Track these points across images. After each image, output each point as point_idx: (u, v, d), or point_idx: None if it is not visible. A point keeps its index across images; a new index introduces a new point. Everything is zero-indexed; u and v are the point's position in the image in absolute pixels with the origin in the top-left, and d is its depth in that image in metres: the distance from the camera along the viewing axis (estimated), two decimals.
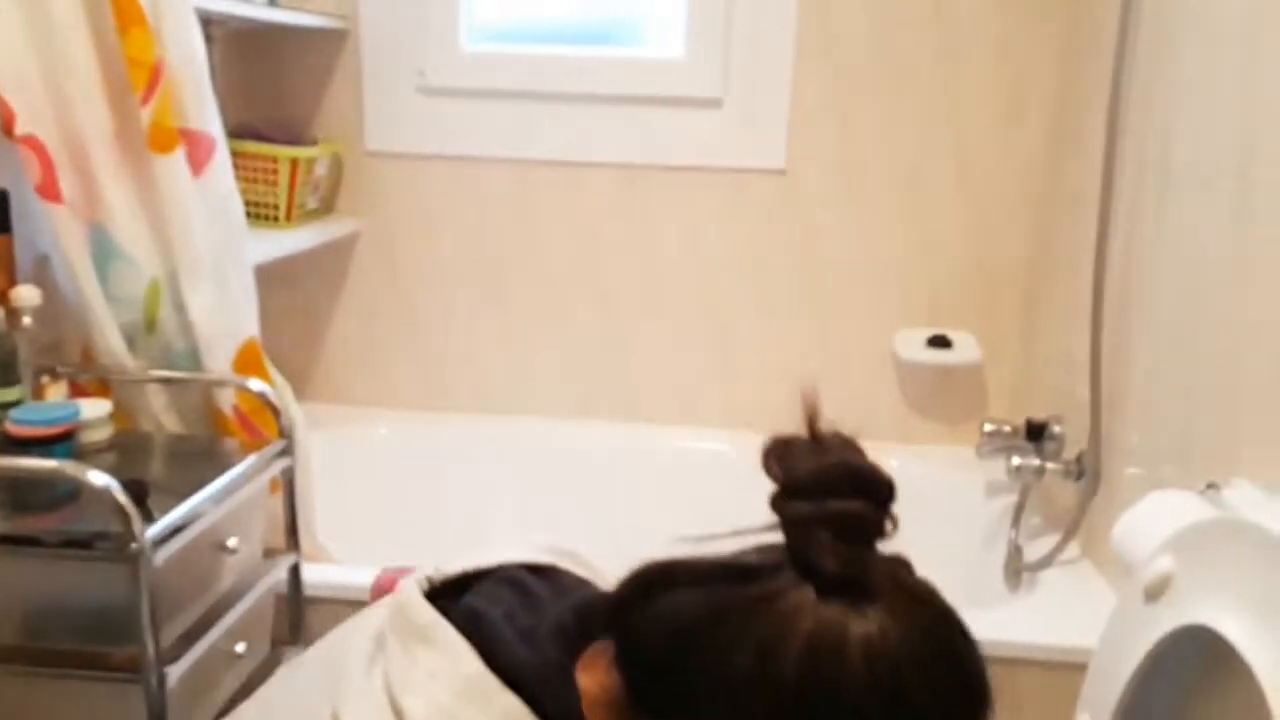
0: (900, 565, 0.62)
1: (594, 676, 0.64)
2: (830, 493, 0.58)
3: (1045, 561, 1.57)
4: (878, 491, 0.59)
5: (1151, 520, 1.01)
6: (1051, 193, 1.87)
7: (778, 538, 0.60)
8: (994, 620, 1.41)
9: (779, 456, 0.61)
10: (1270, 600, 0.70)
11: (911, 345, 1.95)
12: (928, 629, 0.59)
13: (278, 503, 1.35)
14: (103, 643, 1.14)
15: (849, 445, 0.61)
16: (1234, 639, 0.69)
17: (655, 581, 0.62)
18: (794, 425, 0.63)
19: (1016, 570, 1.64)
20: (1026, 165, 1.90)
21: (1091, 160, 1.66)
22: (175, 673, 1.11)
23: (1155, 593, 0.82)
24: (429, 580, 0.69)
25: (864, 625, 0.56)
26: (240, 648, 1.27)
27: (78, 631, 1.15)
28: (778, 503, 0.60)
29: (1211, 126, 1.27)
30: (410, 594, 0.66)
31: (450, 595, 0.67)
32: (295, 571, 1.39)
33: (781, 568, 0.59)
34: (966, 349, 1.95)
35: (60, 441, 1.23)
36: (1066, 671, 1.31)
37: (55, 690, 1.16)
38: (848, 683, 0.56)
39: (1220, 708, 0.78)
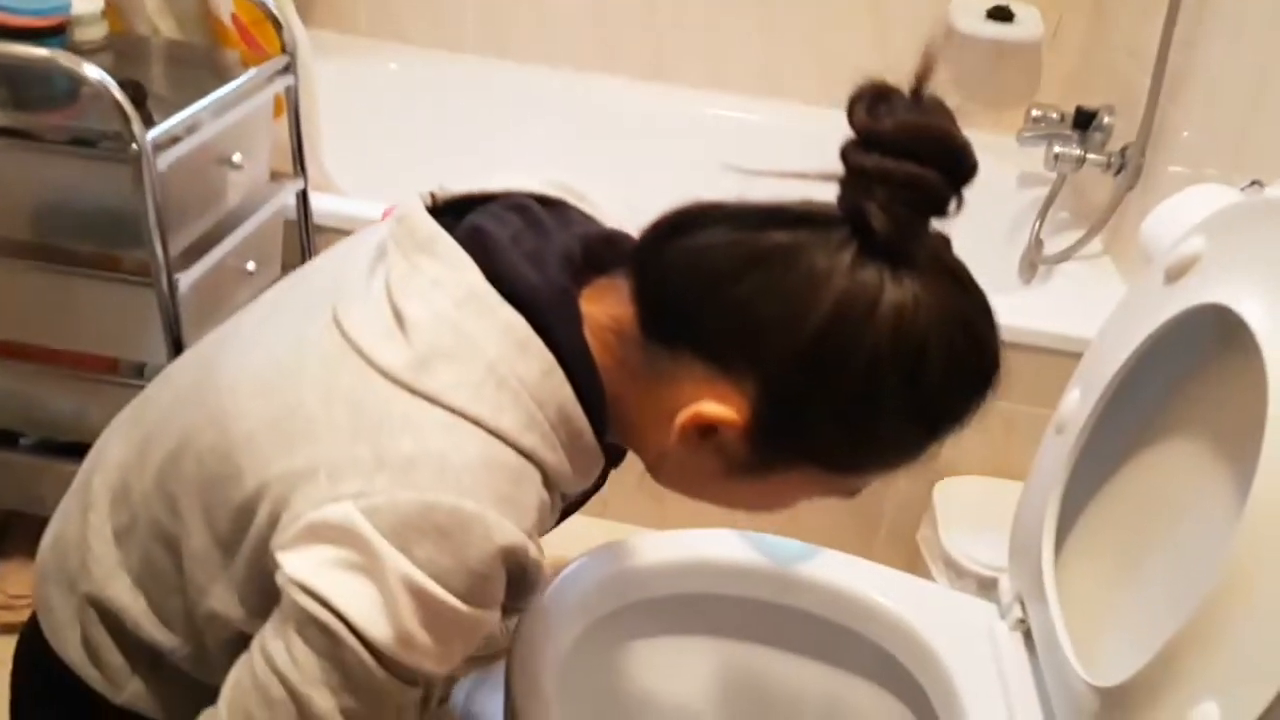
0: (943, 242, 0.59)
1: (603, 306, 0.62)
2: (912, 154, 0.53)
3: (1065, 255, 1.54)
4: (959, 168, 0.55)
5: (1186, 209, 0.96)
6: None
7: (832, 191, 0.56)
8: (998, 304, 1.40)
9: (869, 104, 0.55)
10: None
11: (970, 14, 1.79)
12: (959, 309, 0.58)
13: (284, 128, 1.31)
14: (113, 246, 1.15)
15: (948, 114, 0.56)
16: (1250, 319, 0.67)
17: (692, 218, 0.59)
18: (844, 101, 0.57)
19: (1033, 263, 1.62)
20: None
21: None
22: (186, 280, 1.13)
23: (1177, 273, 0.79)
24: (432, 196, 0.66)
25: (899, 292, 0.54)
26: (250, 265, 1.29)
27: (88, 233, 1.16)
28: (850, 151, 0.55)
29: None
30: (412, 207, 0.63)
31: (454, 216, 0.64)
32: (303, 198, 1.37)
33: (830, 222, 0.56)
34: (1029, 24, 1.79)
35: (53, 34, 1.17)
36: (1063, 359, 1.33)
37: (73, 289, 1.19)
38: (870, 344, 0.54)
39: (1218, 393, 0.78)
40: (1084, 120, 1.62)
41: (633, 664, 1.03)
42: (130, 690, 0.69)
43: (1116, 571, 0.85)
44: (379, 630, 0.54)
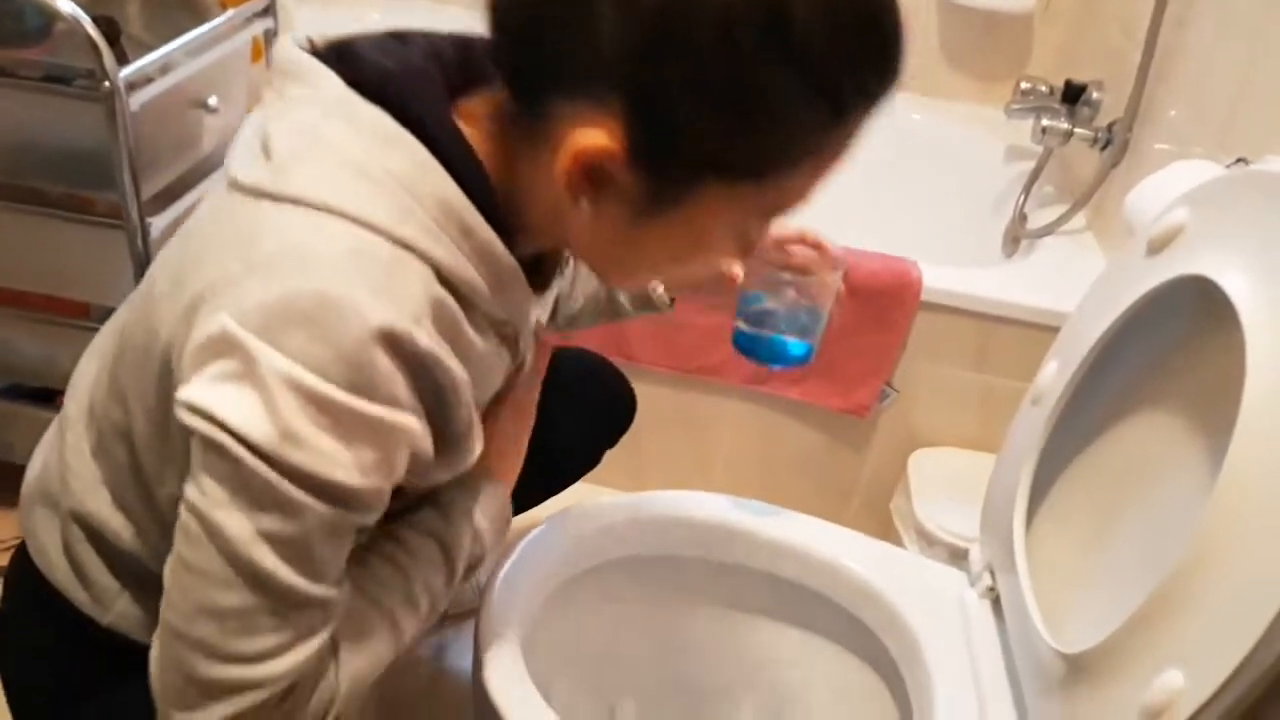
0: None
1: (480, 97, 0.60)
2: None
3: (1048, 229, 1.54)
4: None
5: (1171, 183, 0.96)
6: None
7: None
8: (977, 277, 1.41)
9: None
10: (1277, 256, 0.67)
11: None
12: None
13: (261, 72, 1.28)
14: (85, 188, 1.13)
15: None
16: (1231, 291, 0.67)
17: None
18: None
19: (1016, 236, 1.62)
20: None
21: None
22: (158, 224, 1.11)
23: (1160, 244, 0.79)
24: (309, 40, 0.62)
25: None
26: None
27: (59, 174, 1.14)
28: None
29: None
30: (283, 46, 0.61)
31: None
32: None
33: None
34: None
35: None
36: (1042, 332, 1.34)
37: (43, 231, 1.17)
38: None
39: (1196, 365, 0.78)
40: (1073, 94, 1.61)
41: (602, 625, 1.03)
42: (117, 610, 0.69)
43: (1087, 541, 0.86)
44: (260, 431, 0.52)
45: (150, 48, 1.08)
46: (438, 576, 0.69)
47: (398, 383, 0.54)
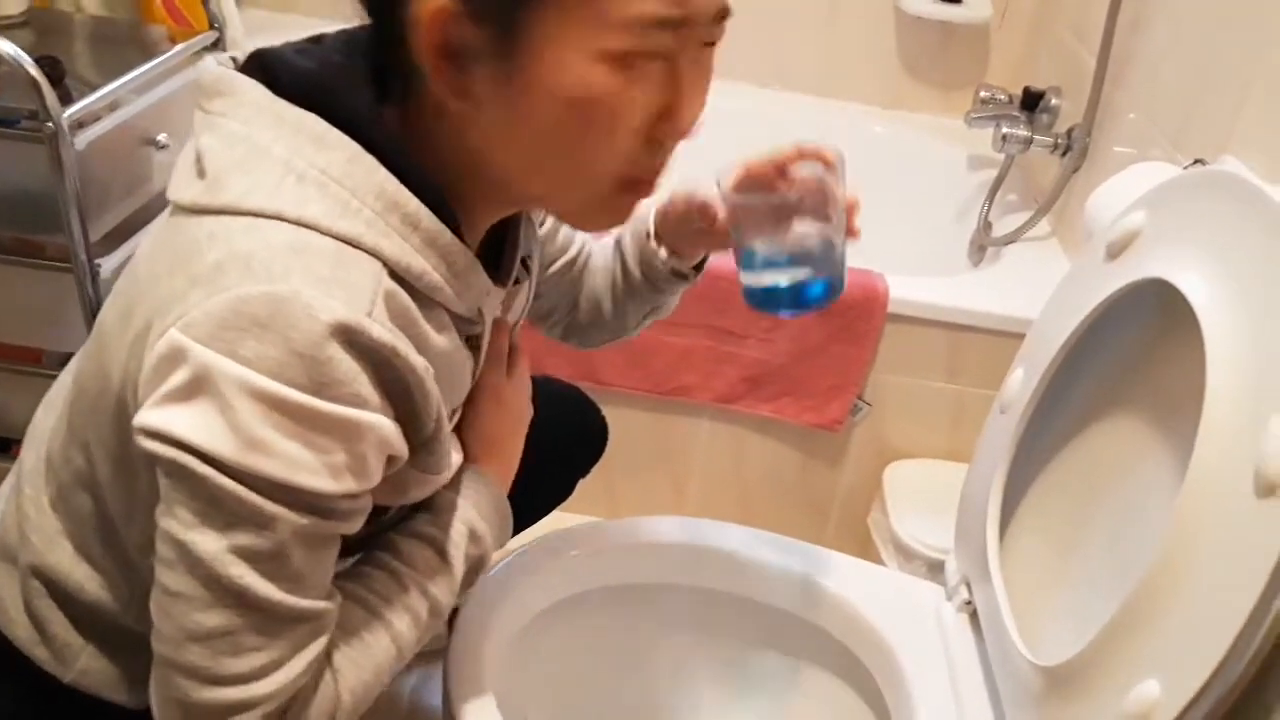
0: None
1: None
2: None
3: (1012, 236, 1.54)
4: None
5: (1129, 187, 0.96)
6: None
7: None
8: (944, 287, 1.41)
9: None
10: (1234, 256, 0.66)
11: None
12: None
13: None
14: (34, 231, 1.11)
15: None
16: (1189, 293, 0.67)
17: None
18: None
19: (981, 245, 1.62)
20: None
21: None
22: (109, 265, 1.08)
23: (1118, 249, 0.79)
24: (232, 59, 0.62)
25: None
26: None
27: (6, 218, 1.11)
28: None
29: None
30: (204, 68, 0.60)
31: None
32: None
33: None
34: (977, 5, 1.79)
35: None
36: (1011, 340, 1.33)
37: None
38: None
39: (1159, 369, 0.77)
40: (1031, 101, 1.62)
41: (574, 656, 1.01)
42: (78, 668, 0.68)
43: (1061, 551, 0.85)
44: (222, 444, 0.51)
45: (96, 83, 1.07)
46: (436, 581, 0.67)
47: (360, 380, 0.53)
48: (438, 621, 0.68)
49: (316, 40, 0.62)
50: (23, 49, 0.98)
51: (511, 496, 0.76)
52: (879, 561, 1.35)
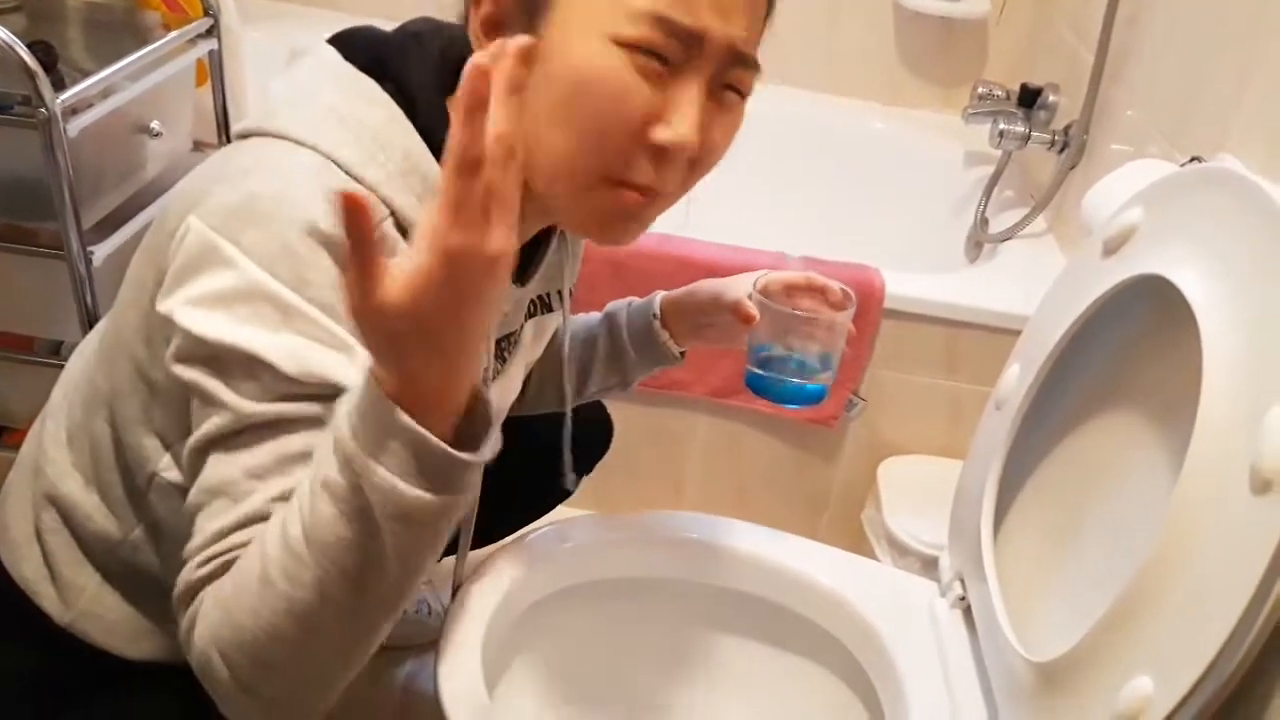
0: None
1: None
2: None
3: (1009, 233, 1.54)
4: None
5: (1126, 183, 0.96)
6: None
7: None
8: (941, 283, 1.41)
9: None
10: (1231, 252, 0.66)
11: None
12: None
13: (207, 95, 1.26)
14: (26, 218, 1.10)
15: None
16: (1185, 288, 0.66)
17: None
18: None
19: (978, 241, 1.62)
20: None
21: None
22: (101, 253, 1.08)
23: (1115, 245, 0.78)
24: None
25: None
26: None
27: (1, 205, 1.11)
28: None
29: None
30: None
31: None
32: None
33: None
34: (975, 1, 1.79)
35: None
36: (1007, 337, 1.33)
37: None
38: None
39: (1155, 365, 0.77)
40: (1029, 98, 1.61)
41: (568, 648, 1.01)
42: (80, 607, 0.71)
43: (1055, 546, 0.84)
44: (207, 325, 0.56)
45: (89, 69, 1.06)
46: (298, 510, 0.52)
47: (330, 281, 0.57)
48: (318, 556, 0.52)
49: (410, 25, 0.68)
50: (15, 34, 0.97)
51: (514, 489, 0.78)
52: (873, 557, 1.35)
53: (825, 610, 0.96)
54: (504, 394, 0.82)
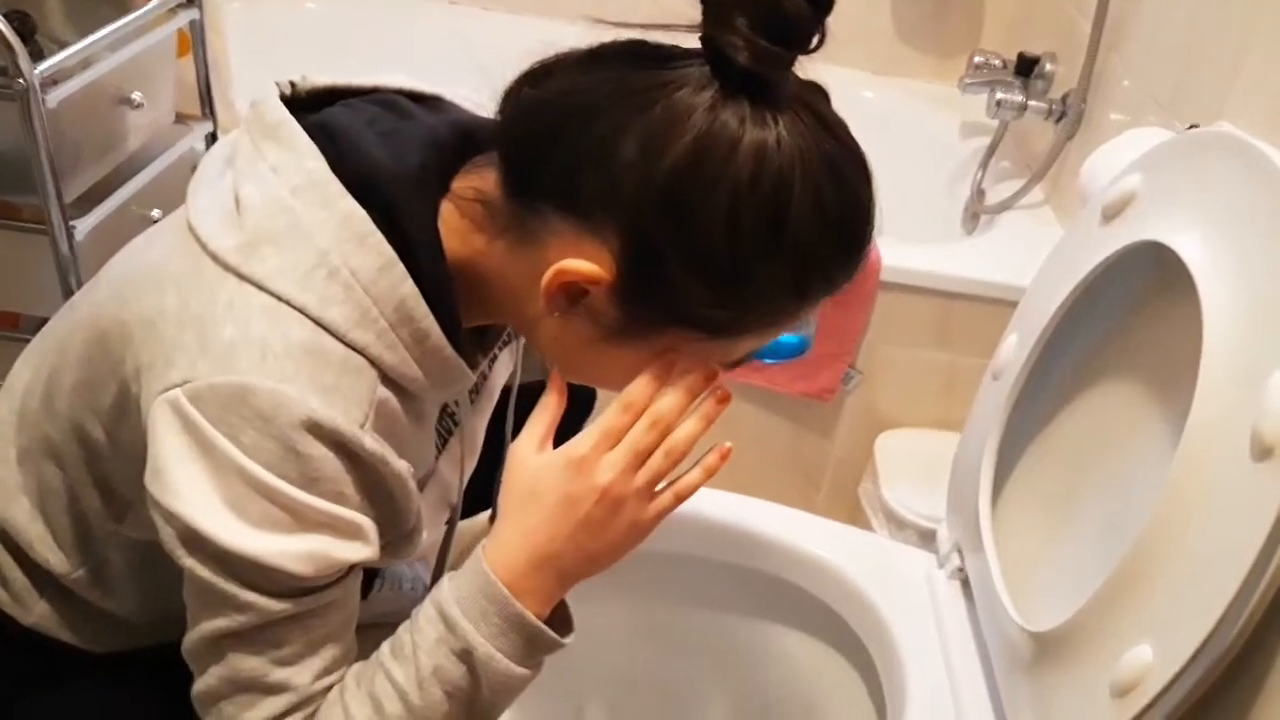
0: (817, 91, 0.57)
1: (469, 180, 0.60)
2: None
3: (1006, 204, 1.52)
4: None
5: (1125, 151, 0.94)
6: None
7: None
8: (937, 255, 1.39)
9: None
10: (1231, 217, 0.65)
11: None
12: (828, 153, 0.55)
13: (189, 67, 1.24)
14: (8, 193, 1.08)
15: None
16: (1185, 255, 0.65)
17: (550, 64, 0.57)
18: None
19: (975, 213, 1.61)
20: None
21: None
22: (84, 227, 1.06)
23: (1114, 211, 0.77)
24: (292, 85, 0.63)
25: (761, 132, 0.52)
26: (155, 213, 1.22)
27: None
28: None
29: None
30: (266, 93, 0.60)
31: (316, 109, 0.61)
32: (213, 141, 1.30)
33: (690, 59, 0.53)
34: None
35: None
36: (1004, 308, 1.32)
37: None
38: (730, 185, 0.52)
39: (1155, 333, 0.76)
40: (1026, 67, 1.59)
41: None
42: (38, 612, 0.69)
43: (1053, 516, 0.84)
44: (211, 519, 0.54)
45: (68, 40, 1.04)
46: (394, 664, 0.61)
47: (344, 479, 0.56)
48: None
49: (397, 111, 0.62)
50: None
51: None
52: (870, 531, 1.35)
53: (823, 583, 0.95)
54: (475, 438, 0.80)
